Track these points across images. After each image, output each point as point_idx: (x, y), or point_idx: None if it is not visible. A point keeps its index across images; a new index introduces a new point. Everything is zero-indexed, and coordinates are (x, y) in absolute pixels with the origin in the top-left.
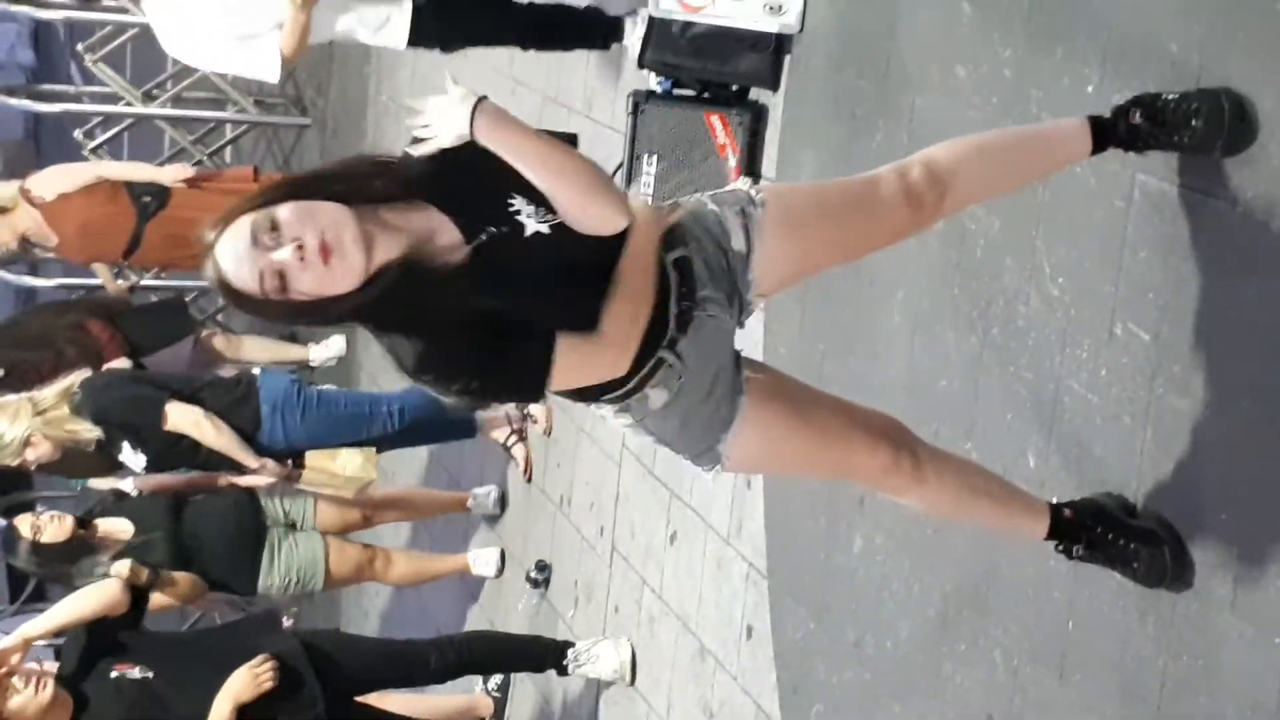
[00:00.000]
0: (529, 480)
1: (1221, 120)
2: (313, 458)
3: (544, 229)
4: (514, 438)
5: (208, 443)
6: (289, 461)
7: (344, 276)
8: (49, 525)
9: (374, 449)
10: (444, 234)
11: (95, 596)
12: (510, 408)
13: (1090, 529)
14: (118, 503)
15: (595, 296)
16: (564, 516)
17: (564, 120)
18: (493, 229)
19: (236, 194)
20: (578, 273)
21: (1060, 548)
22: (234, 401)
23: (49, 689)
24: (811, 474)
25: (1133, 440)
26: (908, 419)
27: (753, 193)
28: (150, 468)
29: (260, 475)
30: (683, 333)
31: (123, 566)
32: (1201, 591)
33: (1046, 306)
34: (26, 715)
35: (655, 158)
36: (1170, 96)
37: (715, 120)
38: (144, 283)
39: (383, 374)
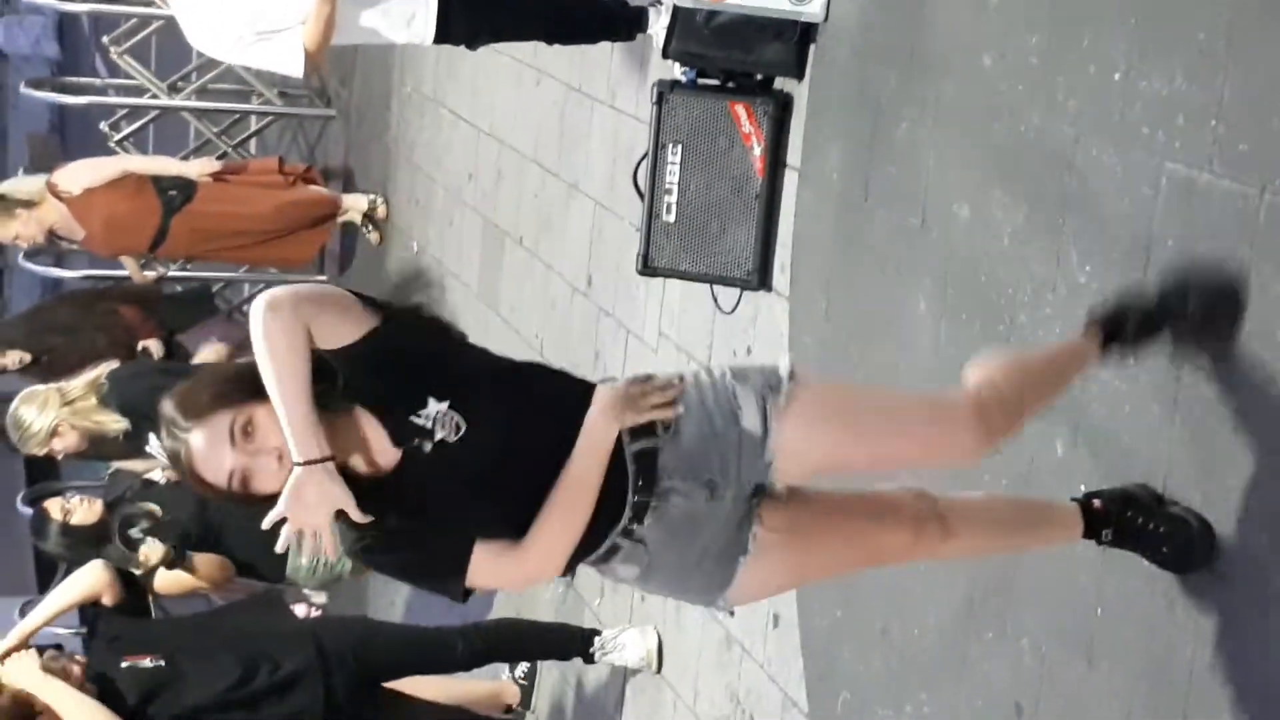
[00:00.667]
0: None
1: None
2: None
3: (450, 438)
4: None
5: None
6: None
7: None
8: (79, 508)
9: None
10: (376, 439)
11: (81, 580)
12: None
13: (1119, 514)
14: (145, 489)
15: (517, 505)
16: None
17: (588, 112)
18: (416, 440)
19: (261, 186)
20: (498, 480)
21: (1089, 534)
22: None
23: (76, 678)
24: (836, 576)
25: (1161, 429)
26: None
27: (785, 376)
28: None
29: None
30: (639, 522)
31: (152, 549)
32: (1230, 580)
33: (1074, 294)
34: None
35: (680, 147)
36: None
37: (740, 110)
38: (171, 274)
39: None
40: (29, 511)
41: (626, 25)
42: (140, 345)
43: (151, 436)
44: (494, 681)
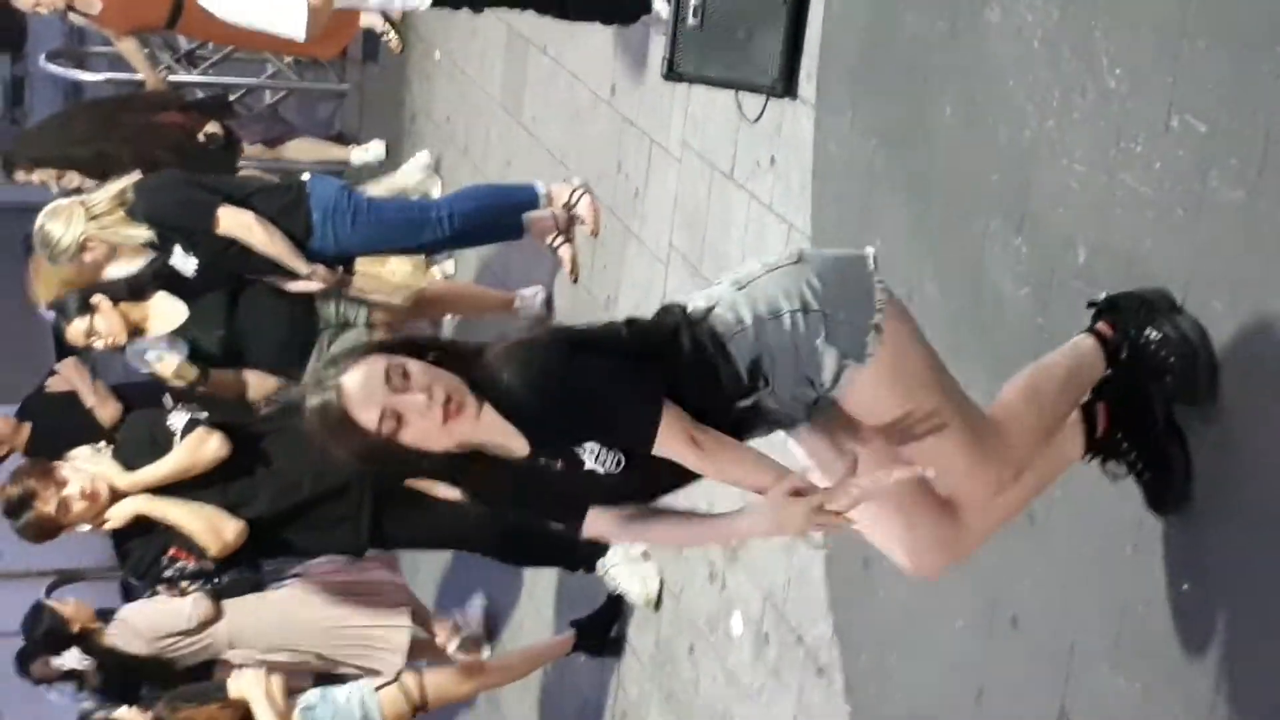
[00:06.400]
0: (575, 281)
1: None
2: (362, 264)
3: (599, 469)
4: (561, 239)
5: (259, 247)
6: (339, 268)
7: (449, 438)
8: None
9: (423, 256)
10: (516, 444)
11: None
12: (557, 207)
13: (1125, 333)
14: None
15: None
16: (610, 317)
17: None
18: (554, 462)
19: None
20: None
21: (1109, 361)
22: (285, 207)
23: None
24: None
25: (1185, 234)
26: (958, 215)
27: (870, 342)
28: (202, 270)
29: (311, 281)
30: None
31: (168, 364)
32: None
33: (1103, 99)
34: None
35: None
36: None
37: None
38: (190, 78)
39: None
40: (51, 315)
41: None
42: (202, 134)
43: (177, 248)
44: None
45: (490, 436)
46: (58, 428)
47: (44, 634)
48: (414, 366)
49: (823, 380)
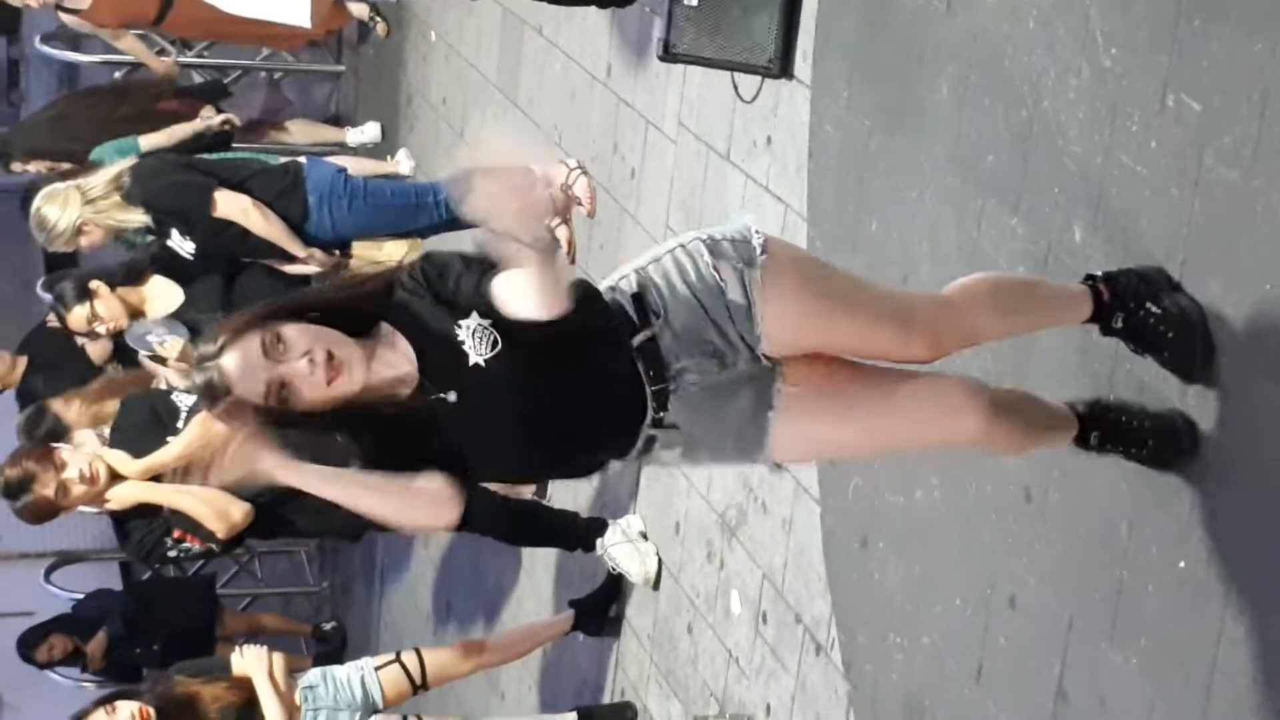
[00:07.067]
0: (572, 262)
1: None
2: (358, 248)
3: (481, 361)
4: (557, 220)
5: (256, 230)
6: (335, 251)
7: (340, 392)
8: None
9: (419, 239)
10: (405, 367)
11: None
12: (554, 189)
13: (1124, 303)
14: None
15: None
16: None
17: None
18: (439, 392)
19: None
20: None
21: (1099, 320)
22: (282, 190)
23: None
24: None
25: (1180, 213)
26: (954, 196)
27: (758, 250)
28: (199, 254)
29: (307, 264)
30: (664, 409)
31: (174, 348)
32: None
33: (1098, 78)
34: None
35: None
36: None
37: None
38: (186, 60)
39: (427, 160)
40: (48, 297)
41: None
42: (203, 124)
43: (174, 231)
44: None
45: (379, 380)
46: (51, 362)
47: (46, 435)
48: (289, 331)
49: (732, 298)
